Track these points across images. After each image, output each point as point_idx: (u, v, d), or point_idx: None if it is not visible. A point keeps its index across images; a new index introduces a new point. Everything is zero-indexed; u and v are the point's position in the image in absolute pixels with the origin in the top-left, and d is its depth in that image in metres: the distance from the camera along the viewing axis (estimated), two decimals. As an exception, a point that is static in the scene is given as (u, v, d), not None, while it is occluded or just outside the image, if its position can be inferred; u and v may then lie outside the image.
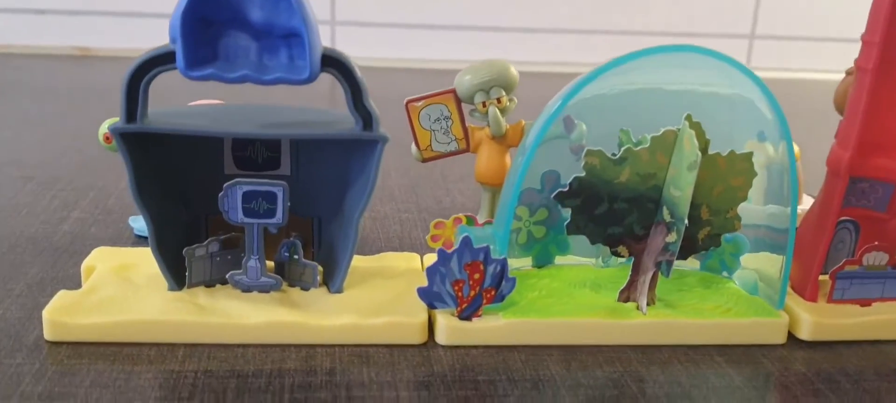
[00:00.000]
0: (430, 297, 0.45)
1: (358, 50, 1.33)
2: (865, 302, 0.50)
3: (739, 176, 0.47)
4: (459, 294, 0.45)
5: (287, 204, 0.45)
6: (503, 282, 0.46)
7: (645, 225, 0.47)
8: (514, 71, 0.57)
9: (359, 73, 0.44)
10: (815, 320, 0.48)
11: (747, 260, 0.52)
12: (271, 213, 0.46)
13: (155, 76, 0.43)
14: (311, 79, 0.43)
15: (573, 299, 0.48)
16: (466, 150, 0.59)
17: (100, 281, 0.48)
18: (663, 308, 0.48)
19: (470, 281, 0.45)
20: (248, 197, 0.45)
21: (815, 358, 0.46)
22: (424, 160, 0.59)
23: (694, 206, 0.46)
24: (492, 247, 0.45)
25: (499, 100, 0.57)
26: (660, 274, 0.47)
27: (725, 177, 0.47)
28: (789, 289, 0.50)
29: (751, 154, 0.47)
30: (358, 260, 0.50)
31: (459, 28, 1.35)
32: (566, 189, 0.46)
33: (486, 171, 0.59)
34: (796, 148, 0.49)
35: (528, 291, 0.49)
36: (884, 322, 0.49)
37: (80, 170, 0.74)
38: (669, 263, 0.46)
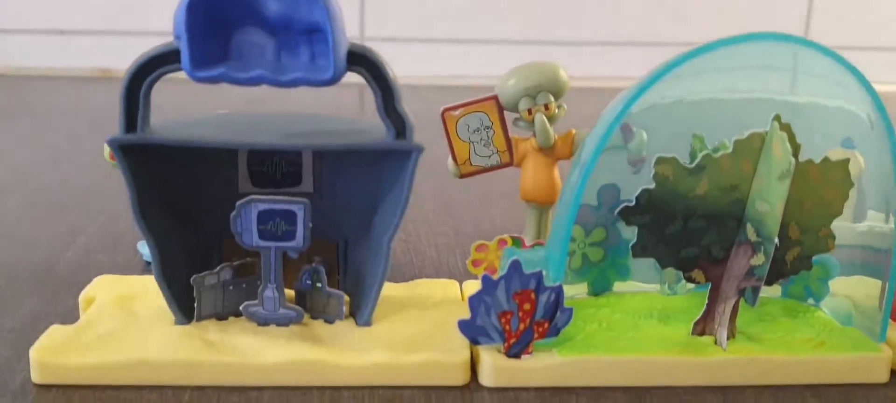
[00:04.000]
0: (473, 331, 0.39)
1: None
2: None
3: (833, 187, 0.41)
4: (507, 327, 0.39)
5: (308, 225, 0.40)
6: (558, 313, 0.40)
7: (725, 246, 0.40)
8: (563, 74, 0.51)
9: (391, 73, 0.39)
10: (925, 355, 0.41)
11: (837, 285, 0.45)
12: (291, 236, 0.40)
13: (158, 78, 0.39)
14: (335, 79, 0.38)
15: (639, 332, 0.42)
16: (510, 164, 0.53)
17: (98, 314, 0.42)
18: (745, 342, 0.41)
19: (519, 312, 0.39)
20: (263, 217, 0.40)
21: (928, 401, 0.40)
22: (462, 175, 0.53)
23: (782, 224, 0.39)
24: (544, 273, 0.39)
25: (546, 107, 0.51)
26: (743, 302, 0.40)
27: (818, 188, 0.40)
28: (890, 320, 0.44)
29: (847, 160, 0.41)
30: (389, 289, 0.45)
31: (495, 42, 1.30)
32: (633, 204, 0.39)
33: (533, 187, 0.53)
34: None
35: (586, 323, 0.43)
36: None
37: (91, 193, 0.69)
38: (756, 290, 0.40)
